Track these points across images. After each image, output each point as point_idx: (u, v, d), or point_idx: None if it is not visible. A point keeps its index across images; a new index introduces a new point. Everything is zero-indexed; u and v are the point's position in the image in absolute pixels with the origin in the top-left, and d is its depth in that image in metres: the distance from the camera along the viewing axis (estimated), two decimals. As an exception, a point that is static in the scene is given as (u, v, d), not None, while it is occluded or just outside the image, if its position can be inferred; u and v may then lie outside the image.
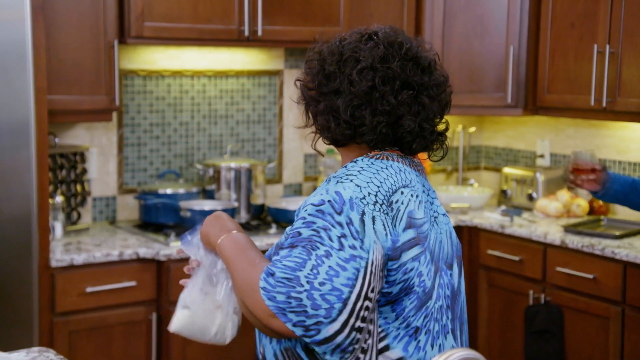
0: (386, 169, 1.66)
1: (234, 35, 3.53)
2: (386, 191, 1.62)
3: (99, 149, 3.69)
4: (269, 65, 4.02)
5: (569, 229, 3.60)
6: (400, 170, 1.67)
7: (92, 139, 3.67)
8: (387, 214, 1.60)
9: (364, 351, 1.60)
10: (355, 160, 1.69)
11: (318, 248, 1.55)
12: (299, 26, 3.66)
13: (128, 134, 3.75)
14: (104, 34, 3.32)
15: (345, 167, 1.68)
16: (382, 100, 1.65)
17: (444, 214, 1.74)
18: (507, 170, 4.30)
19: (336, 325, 1.53)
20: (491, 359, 3.82)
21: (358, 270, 1.54)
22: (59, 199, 3.37)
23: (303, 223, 1.58)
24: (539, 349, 3.55)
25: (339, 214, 1.56)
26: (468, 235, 3.95)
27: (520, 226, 3.75)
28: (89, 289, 3.15)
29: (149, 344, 3.28)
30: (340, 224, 1.56)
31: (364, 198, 1.59)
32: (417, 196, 1.66)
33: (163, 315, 3.27)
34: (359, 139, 1.68)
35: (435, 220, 1.71)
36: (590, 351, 3.41)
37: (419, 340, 1.65)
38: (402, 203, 1.63)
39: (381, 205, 1.60)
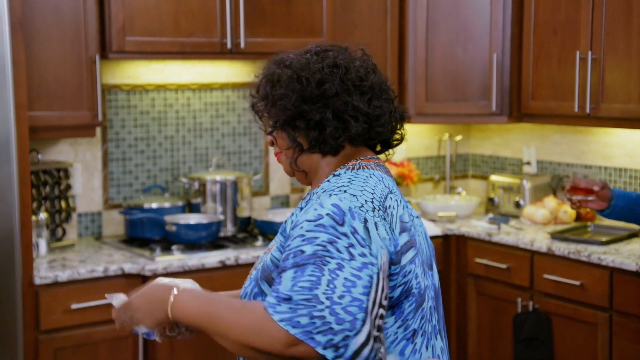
0: (370, 177, 1.67)
1: (216, 48, 3.52)
2: (379, 197, 1.63)
3: (83, 164, 3.67)
4: (253, 77, 4.01)
5: (555, 236, 3.59)
6: (381, 177, 1.69)
7: (77, 154, 3.66)
8: (384, 219, 1.61)
9: None
10: (334, 174, 1.69)
11: (329, 262, 1.52)
12: (282, 37, 3.66)
13: (113, 149, 3.73)
14: (85, 49, 3.31)
15: (328, 181, 1.67)
16: (387, 91, 1.73)
17: (417, 217, 1.76)
18: (494, 178, 4.30)
19: (361, 337, 1.51)
20: (481, 367, 3.81)
21: (371, 277, 1.53)
22: (43, 215, 3.35)
23: (303, 240, 1.55)
24: (528, 356, 3.54)
25: (342, 225, 1.55)
26: (456, 243, 3.94)
27: (507, 234, 3.74)
28: (74, 306, 3.12)
29: (136, 359, 3.26)
30: (345, 235, 1.54)
31: (362, 206, 1.59)
32: (400, 201, 1.69)
33: (149, 331, 3.24)
34: (373, 132, 1.71)
35: (413, 223, 1.72)
36: (578, 358, 3.40)
37: (415, 343, 1.65)
38: (394, 208, 1.65)
39: (379, 211, 1.61)
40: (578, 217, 4.00)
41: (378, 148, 1.80)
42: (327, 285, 1.50)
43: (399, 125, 1.77)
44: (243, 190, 3.78)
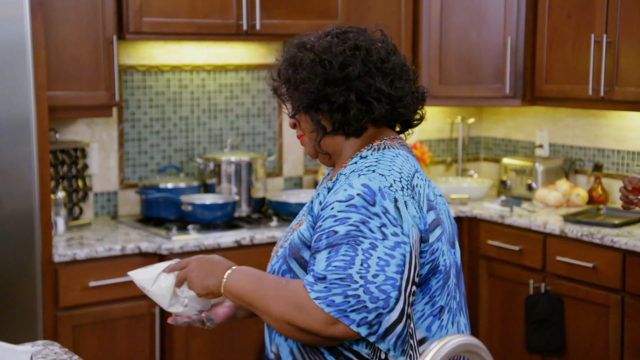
0: (397, 156, 1.69)
1: (232, 30, 3.54)
2: (407, 176, 1.65)
3: (99, 144, 3.71)
4: (268, 59, 4.04)
5: (568, 219, 3.61)
6: (407, 157, 1.71)
7: (93, 134, 3.69)
8: (413, 197, 1.63)
9: (411, 336, 1.61)
10: (361, 155, 1.70)
11: (362, 242, 1.54)
12: (297, 19, 3.67)
13: (128, 129, 3.76)
14: (102, 30, 3.34)
15: (355, 162, 1.69)
16: (408, 72, 1.74)
17: (440, 195, 1.77)
18: (506, 160, 4.32)
19: (395, 314, 1.53)
20: (492, 348, 3.85)
21: (404, 255, 1.56)
22: (61, 194, 3.39)
23: (335, 221, 1.57)
24: (539, 338, 3.57)
25: (373, 205, 1.57)
26: (468, 225, 3.96)
27: (519, 216, 3.77)
28: (92, 284, 3.17)
29: (153, 337, 3.30)
30: (377, 215, 1.56)
31: (391, 186, 1.61)
32: (425, 179, 1.71)
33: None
34: (395, 114, 1.72)
35: (437, 201, 1.74)
36: (590, 339, 3.43)
37: (442, 319, 1.68)
38: (420, 187, 1.67)
39: (407, 189, 1.63)
40: (590, 200, 4.02)
41: (397, 128, 1.81)
42: (361, 265, 1.53)
43: (419, 105, 1.79)
44: (257, 171, 3.81)
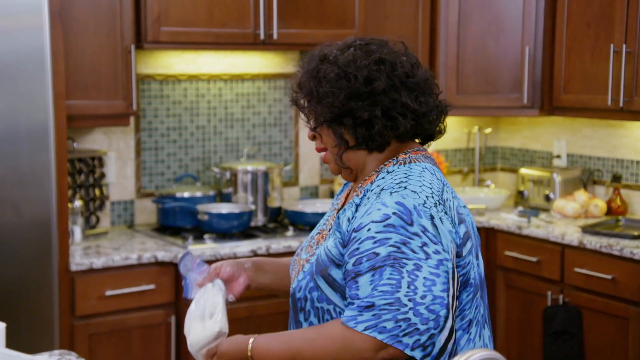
0: (424, 171, 1.66)
1: (249, 39, 3.55)
2: (437, 191, 1.63)
3: (116, 153, 3.71)
4: (285, 68, 4.04)
5: (586, 230, 3.58)
6: (433, 170, 1.69)
7: (110, 143, 3.70)
8: (446, 212, 1.61)
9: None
10: (388, 170, 1.67)
11: (406, 264, 1.53)
12: (315, 29, 3.67)
13: (145, 138, 3.77)
14: (120, 39, 3.35)
15: (383, 178, 1.66)
16: (432, 86, 1.72)
17: (464, 206, 1.75)
18: (523, 171, 4.29)
19: (446, 333, 1.53)
20: (509, 360, 3.82)
21: (447, 272, 1.55)
22: (78, 203, 3.40)
23: (374, 242, 1.55)
24: (557, 350, 3.54)
25: (411, 224, 1.55)
26: (485, 236, 3.94)
27: (537, 227, 3.74)
28: (109, 292, 3.17)
29: (168, 346, 3.30)
30: (416, 234, 1.55)
31: (425, 203, 1.58)
32: (452, 192, 1.70)
33: (182, 318, 3.28)
34: (420, 129, 1.70)
35: (464, 213, 1.73)
36: (609, 352, 3.39)
37: (470, 332, 1.67)
38: (450, 200, 1.65)
39: (440, 205, 1.61)
40: (609, 211, 3.99)
41: (417, 140, 1.78)
42: (408, 287, 1.51)
43: (442, 119, 1.77)
44: (274, 180, 3.81)
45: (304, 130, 4.13)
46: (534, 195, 4.21)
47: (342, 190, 1.89)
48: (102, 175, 3.59)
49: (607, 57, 3.64)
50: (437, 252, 1.54)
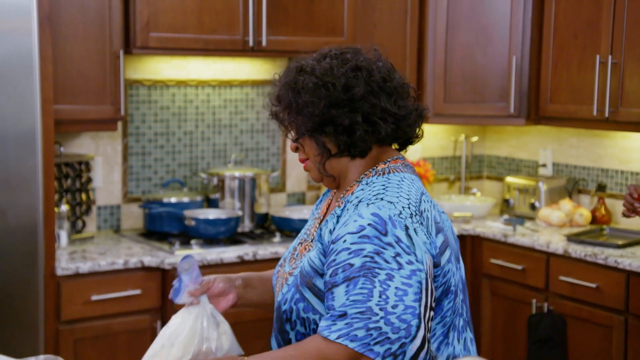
0: (402, 181, 1.68)
1: (238, 46, 3.55)
2: (415, 202, 1.65)
3: (104, 157, 3.71)
4: (272, 75, 4.04)
5: (571, 238, 3.61)
6: (412, 180, 1.70)
7: (97, 148, 3.69)
8: (422, 223, 1.63)
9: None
10: (367, 182, 1.69)
11: (378, 274, 1.55)
12: (304, 36, 3.68)
13: (133, 143, 3.77)
14: (109, 44, 3.35)
15: (362, 189, 1.67)
16: (408, 90, 1.75)
17: (442, 212, 1.77)
18: (509, 179, 4.32)
19: (417, 342, 1.55)
20: (494, 367, 3.83)
21: (420, 283, 1.57)
22: (64, 207, 3.39)
23: (349, 253, 1.57)
24: (542, 357, 3.56)
25: (385, 235, 1.57)
26: (471, 244, 3.96)
27: (523, 235, 3.76)
28: (94, 297, 3.16)
29: (154, 352, 3.29)
30: (390, 244, 1.57)
31: (400, 213, 1.60)
32: (430, 201, 1.71)
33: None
34: (400, 132, 1.72)
35: (442, 220, 1.74)
36: (593, 360, 3.42)
37: (449, 337, 1.69)
38: (428, 211, 1.67)
39: (416, 216, 1.63)
40: (594, 220, 4.02)
41: (395, 146, 1.80)
42: (380, 297, 1.53)
43: (420, 123, 1.78)
44: (261, 186, 3.81)
45: (290, 145, 4.13)
46: (519, 204, 4.24)
47: (321, 200, 1.90)
48: (89, 180, 3.58)
49: (593, 68, 3.67)
50: (410, 263, 1.56)
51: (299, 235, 1.85)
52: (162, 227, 3.61)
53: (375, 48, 1.77)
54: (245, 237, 3.66)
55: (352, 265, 1.56)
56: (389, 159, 1.73)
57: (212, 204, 3.77)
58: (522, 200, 4.23)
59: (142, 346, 3.26)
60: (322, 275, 1.65)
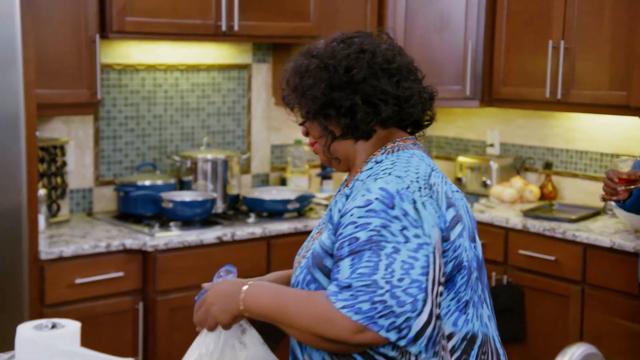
0: (412, 157, 1.70)
1: (211, 30, 3.61)
2: (424, 176, 1.66)
3: (75, 141, 3.72)
4: (238, 59, 4.12)
5: (528, 214, 3.83)
6: (422, 156, 1.73)
7: (69, 131, 3.70)
8: (431, 197, 1.63)
9: (442, 337, 1.62)
10: (376, 160, 1.72)
11: (385, 247, 1.54)
12: (273, 21, 3.76)
13: (104, 127, 3.79)
14: (85, 29, 3.36)
15: (371, 168, 1.70)
16: (415, 72, 1.76)
17: (457, 191, 1.75)
18: (461, 159, 4.52)
19: (424, 317, 1.53)
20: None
21: (428, 256, 1.56)
22: (42, 192, 3.40)
23: (356, 227, 1.57)
24: (501, 327, 3.69)
25: (392, 208, 1.57)
26: (431, 221, 4.13)
27: (481, 212, 3.97)
28: (78, 281, 3.19)
29: (136, 332, 3.35)
30: (397, 218, 1.56)
31: (408, 187, 1.61)
32: (442, 177, 1.73)
33: (149, 305, 3.35)
34: (404, 114, 1.72)
35: (455, 197, 1.75)
36: (551, 328, 3.66)
37: (467, 314, 1.68)
38: (438, 185, 1.68)
39: (425, 189, 1.63)
40: (542, 196, 4.26)
41: (409, 130, 1.82)
42: (386, 270, 1.52)
43: (428, 105, 1.81)
44: (233, 168, 3.89)
45: (256, 120, 4.23)
46: (471, 182, 4.45)
47: (341, 187, 1.90)
48: (64, 164, 3.59)
49: (545, 53, 3.89)
50: (417, 236, 1.56)
51: (318, 224, 1.86)
52: (137, 209, 3.65)
53: (387, 32, 1.81)
54: (220, 218, 3.74)
55: (357, 238, 1.55)
56: (398, 139, 1.75)
57: (184, 186, 3.83)
58: (474, 178, 4.44)
59: (125, 327, 3.33)
60: (332, 255, 1.64)
